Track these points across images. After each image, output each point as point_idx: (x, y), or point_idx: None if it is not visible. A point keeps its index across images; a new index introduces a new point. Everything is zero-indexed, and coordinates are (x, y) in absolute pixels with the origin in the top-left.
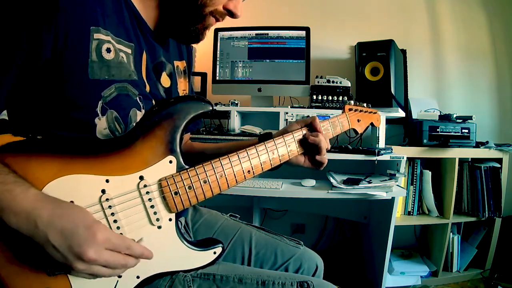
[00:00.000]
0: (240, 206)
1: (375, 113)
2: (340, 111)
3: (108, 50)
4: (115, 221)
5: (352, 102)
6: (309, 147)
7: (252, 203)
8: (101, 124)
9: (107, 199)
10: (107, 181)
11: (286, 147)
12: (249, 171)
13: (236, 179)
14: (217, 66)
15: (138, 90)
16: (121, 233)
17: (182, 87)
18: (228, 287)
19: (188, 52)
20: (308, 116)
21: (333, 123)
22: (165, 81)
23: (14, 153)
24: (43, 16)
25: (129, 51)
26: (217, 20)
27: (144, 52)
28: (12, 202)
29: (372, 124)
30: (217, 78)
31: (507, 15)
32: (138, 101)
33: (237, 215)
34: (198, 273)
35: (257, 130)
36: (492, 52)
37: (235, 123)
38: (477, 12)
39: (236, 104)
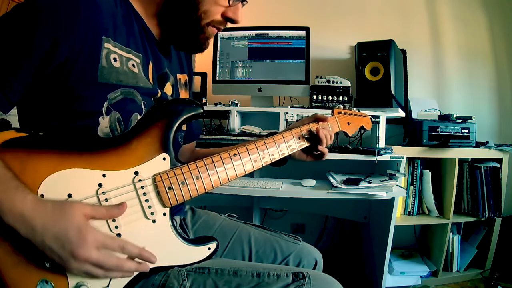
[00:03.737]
0: (240, 206)
1: (364, 116)
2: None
3: (115, 60)
4: None
5: (341, 106)
6: (311, 139)
7: (252, 203)
8: (104, 123)
9: (103, 192)
10: (104, 175)
11: (276, 147)
12: (240, 169)
13: (228, 176)
14: (217, 66)
15: (144, 95)
16: (116, 226)
17: None
18: (223, 280)
19: (189, 66)
20: (308, 116)
21: (322, 126)
22: (168, 90)
23: (15, 148)
24: (62, 24)
25: (138, 60)
26: (218, 30)
27: (151, 63)
28: (12, 208)
29: (362, 127)
30: (217, 78)
31: (507, 15)
32: (142, 106)
33: (234, 215)
34: (193, 268)
35: (257, 130)
36: (492, 52)
37: (235, 123)
38: (477, 12)
39: (236, 104)
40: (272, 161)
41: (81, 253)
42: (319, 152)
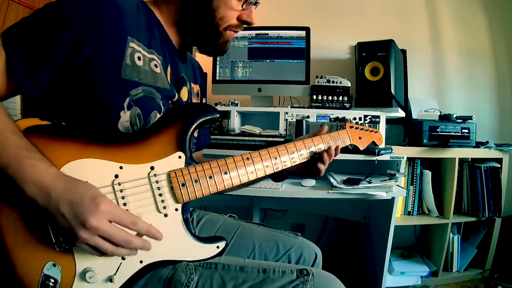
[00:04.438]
0: (240, 206)
1: (376, 132)
2: (341, 110)
3: (139, 58)
4: (124, 204)
5: (354, 121)
6: (315, 157)
7: (252, 203)
8: (125, 117)
9: (119, 183)
10: (120, 167)
11: (289, 155)
12: (252, 172)
13: (240, 179)
14: (217, 66)
15: (161, 95)
16: None
17: None
18: (230, 275)
19: (201, 78)
20: (308, 116)
21: (334, 138)
22: (184, 94)
23: (39, 134)
24: (88, 25)
25: (159, 62)
26: (236, 32)
27: (169, 66)
28: (34, 175)
29: (374, 143)
30: (217, 78)
31: (507, 15)
32: (161, 105)
33: (235, 215)
34: (201, 262)
35: (257, 130)
36: (492, 52)
37: (235, 123)
38: (477, 12)
39: (236, 104)
40: (284, 167)
41: (92, 221)
42: (315, 169)
